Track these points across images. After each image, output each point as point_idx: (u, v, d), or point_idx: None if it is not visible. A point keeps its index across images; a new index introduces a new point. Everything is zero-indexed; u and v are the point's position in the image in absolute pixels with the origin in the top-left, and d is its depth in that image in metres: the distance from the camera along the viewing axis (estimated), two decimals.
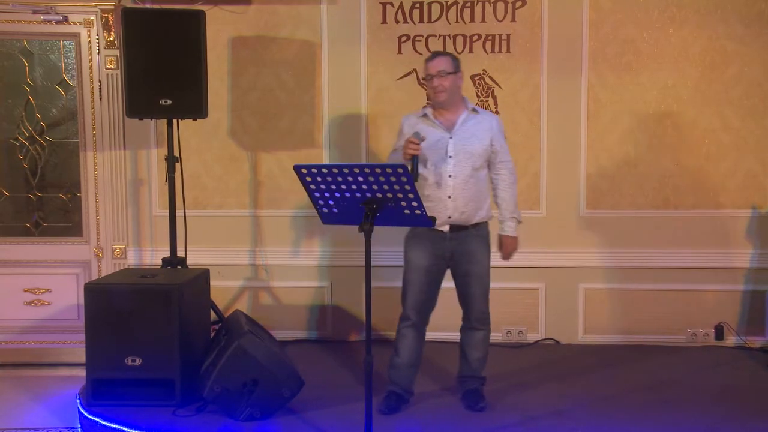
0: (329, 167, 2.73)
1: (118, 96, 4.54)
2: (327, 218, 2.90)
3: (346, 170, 2.68)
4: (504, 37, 4.49)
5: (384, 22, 4.53)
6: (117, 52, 4.50)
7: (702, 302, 4.53)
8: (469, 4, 4.49)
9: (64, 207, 4.74)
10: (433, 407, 3.47)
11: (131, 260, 4.68)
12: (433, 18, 4.51)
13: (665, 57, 4.45)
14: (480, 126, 3.35)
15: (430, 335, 3.60)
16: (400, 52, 4.52)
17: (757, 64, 4.41)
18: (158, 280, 3.54)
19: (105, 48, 4.53)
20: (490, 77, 4.51)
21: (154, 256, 4.65)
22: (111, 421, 3.32)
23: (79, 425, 3.54)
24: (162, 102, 3.93)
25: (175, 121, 4.10)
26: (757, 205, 4.49)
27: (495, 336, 4.54)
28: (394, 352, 3.48)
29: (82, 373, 3.57)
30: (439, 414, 3.40)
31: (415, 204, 2.72)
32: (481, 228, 3.40)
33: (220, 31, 4.54)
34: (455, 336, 3.62)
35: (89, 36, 4.57)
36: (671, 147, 4.50)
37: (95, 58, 4.57)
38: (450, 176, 3.29)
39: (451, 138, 3.31)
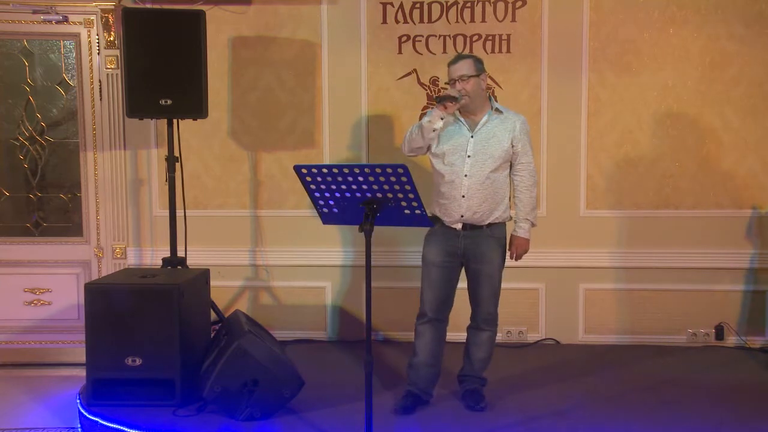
0: (329, 167, 2.73)
1: (118, 96, 4.54)
2: (327, 218, 2.90)
3: (346, 170, 2.68)
4: (504, 37, 4.49)
5: (384, 22, 4.53)
6: (117, 52, 4.50)
7: (702, 302, 4.53)
8: (469, 4, 4.49)
9: (64, 207, 4.74)
10: (433, 407, 3.47)
11: (131, 260, 4.68)
12: (434, 18, 4.51)
13: (665, 57, 4.45)
14: (502, 126, 3.35)
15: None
16: (400, 52, 4.52)
17: (757, 64, 4.41)
18: (158, 280, 3.54)
19: (105, 48, 4.54)
20: (490, 77, 4.51)
21: (154, 256, 4.65)
22: (111, 421, 3.32)
23: (79, 425, 3.54)
24: (162, 102, 3.93)
25: (175, 121, 4.10)
26: (757, 205, 4.49)
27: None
28: (412, 351, 3.48)
29: (82, 373, 3.57)
30: (440, 414, 3.40)
31: (415, 204, 2.72)
32: (495, 229, 3.38)
33: (220, 31, 4.54)
34: (458, 336, 3.62)
35: (89, 36, 4.57)
36: (671, 147, 4.50)
37: (95, 58, 4.58)
38: (466, 176, 3.30)
39: (472, 137, 3.32)
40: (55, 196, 4.73)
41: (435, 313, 3.41)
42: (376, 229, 2.75)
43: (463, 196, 3.30)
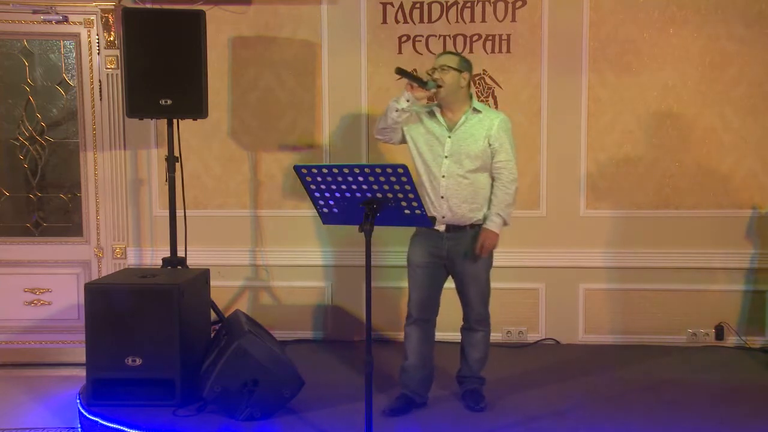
0: (329, 167, 2.73)
1: (118, 96, 4.54)
2: (327, 218, 2.90)
3: (346, 170, 2.68)
4: (504, 37, 4.49)
5: (384, 22, 4.53)
6: (117, 52, 4.50)
7: (702, 302, 4.53)
8: (469, 5, 4.49)
9: (64, 207, 4.74)
10: (433, 407, 3.46)
11: (131, 260, 4.68)
12: (434, 18, 4.51)
13: (665, 57, 4.45)
14: (479, 126, 3.30)
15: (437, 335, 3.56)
16: (400, 52, 4.52)
17: (757, 64, 4.41)
18: (158, 280, 3.54)
19: (105, 48, 4.53)
20: (490, 77, 4.51)
21: (154, 256, 4.65)
22: (111, 421, 3.32)
23: (79, 425, 3.54)
24: (162, 102, 3.93)
25: (175, 121, 4.10)
26: (758, 205, 4.49)
27: (495, 336, 4.54)
28: (403, 355, 3.47)
29: (82, 373, 3.57)
30: (439, 414, 3.40)
31: (415, 204, 2.72)
32: (480, 229, 3.33)
33: (220, 31, 4.54)
34: (455, 336, 3.62)
35: (89, 36, 4.57)
36: (671, 147, 4.49)
37: (95, 58, 4.58)
38: (443, 176, 3.27)
39: (449, 137, 3.29)
40: (55, 196, 4.73)
41: (419, 314, 3.40)
42: (376, 229, 2.75)
43: (442, 197, 3.28)
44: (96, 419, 3.36)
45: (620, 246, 4.54)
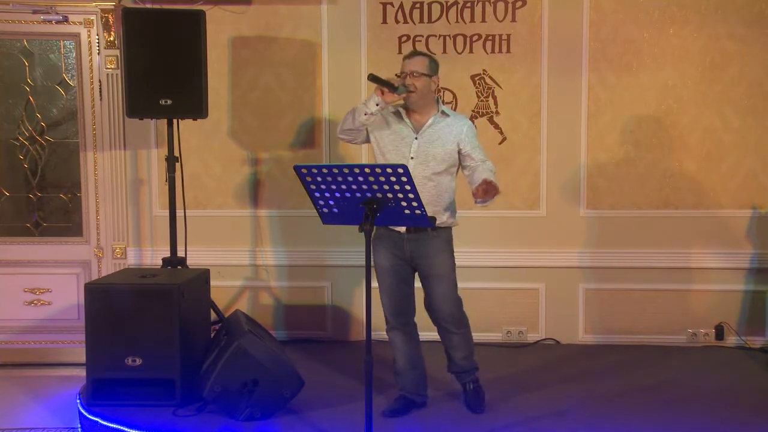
0: (329, 167, 2.73)
1: (118, 96, 4.54)
2: (327, 218, 2.90)
3: (346, 170, 2.68)
4: (504, 37, 4.49)
5: (384, 22, 4.53)
6: (117, 52, 4.50)
7: (702, 302, 4.53)
8: (469, 4, 4.49)
9: (64, 207, 4.74)
10: (432, 408, 3.46)
11: (131, 260, 4.68)
12: (433, 18, 4.51)
13: (665, 57, 4.45)
14: (448, 129, 3.28)
15: (429, 335, 3.55)
16: (400, 52, 4.52)
17: (757, 64, 4.41)
18: (158, 280, 3.54)
19: (105, 48, 4.54)
20: (490, 77, 4.51)
21: (154, 256, 4.65)
22: (111, 421, 3.32)
23: (79, 425, 3.54)
24: (162, 102, 3.93)
25: (175, 121, 4.10)
26: (757, 205, 4.49)
27: (495, 336, 4.57)
28: (393, 359, 3.46)
29: (82, 373, 3.57)
30: (439, 414, 3.40)
31: (415, 204, 2.72)
32: (442, 231, 3.29)
33: (220, 31, 4.54)
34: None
35: (89, 36, 4.57)
36: (671, 147, 4.49)
37: (95, 58, 4.58)
38: None
39: (416, 139, 3.26)
40: (55, 196, 4.73)
41: (395, 318, 3.36)
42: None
43: None
44: (96, 419, 3.36)
45: (620, 246, 4.54)
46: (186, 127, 4.27)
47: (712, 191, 4.50)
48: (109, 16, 4.47)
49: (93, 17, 4.55)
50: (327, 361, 4.25)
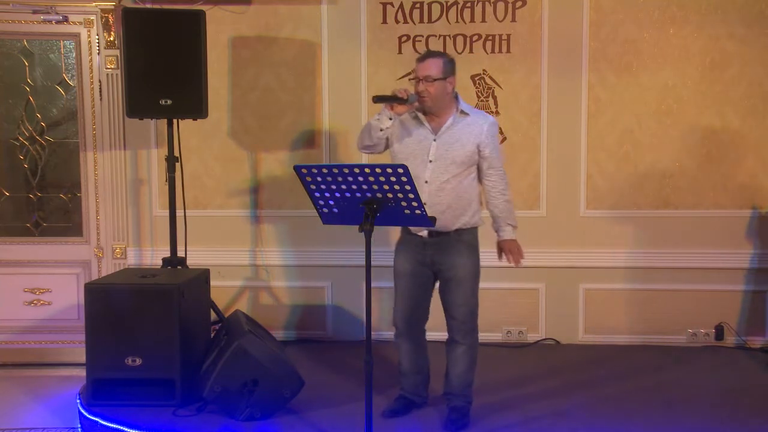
0: (329, 167, 2.73)
1: (118, 96, 4.54)
2: (327, 218, 2.90)
3: (346, 170, 2.68)
4: (504, 37, 4.49)
5: (384, 22, 4.53)
6: (117, 52, 4.50)
7: (702, 302, 4.53)
8: (469, 4, 4.49)
9: (64, 207, 4.74)
10: (433, 408, 3.46)
11: (131, 260, 4.68)
12: (433, 18, 4.51)
13: (666, 57, 4.45)
14: (467, 129, 3.16)
15: (435, 335, 3.51)
16: (400, 52, 4.52)
17: (757, 64, 4.41)
18: (158, 280, 3.54)
19: (105, 48, 4.53)
20: (490, 77, 4.51)
21: (154, 256, 4.65)
22: (111, 421, 3.32)
23: (79, 425, 3.55)
24: (162, 102, 3.93)
25: (175, 121, 4.10)
26: (757, 205, 4.49)
27: (495, 336, 4.57)
28: (398, 360, 3.43)
29: (82, 373, 3.57)
30: (439, 415, 3.39)
31: (415, 204, 2.72)
32: (464, 234, 3.20)
33: (220, 31, 4.54)
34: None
35: (89, 36, 4.57)
36: (671, 147, 4.50)
37: (95, 58, 4.57)
38: (426, 182, 3.13)
39: (434, 141, 3.16)
40: (55, 196, 4.73)
41: (406, 324, 3.30)
42: (376, 229, 2.75)
43: (425, 203, 3.08)
44: (96, 419, 3.36)
45: (620, 246, 4.54)
46: (186, 127, 4.27)
47: (712, 191, 4.50)
48: (109, 16, 4.47)
49: (93, 17, 4.54)
50: (327, 361, 4.25)
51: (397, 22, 4.52)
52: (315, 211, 2.90)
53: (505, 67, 4.51)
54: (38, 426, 3.64)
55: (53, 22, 4.52)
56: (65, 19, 4.53)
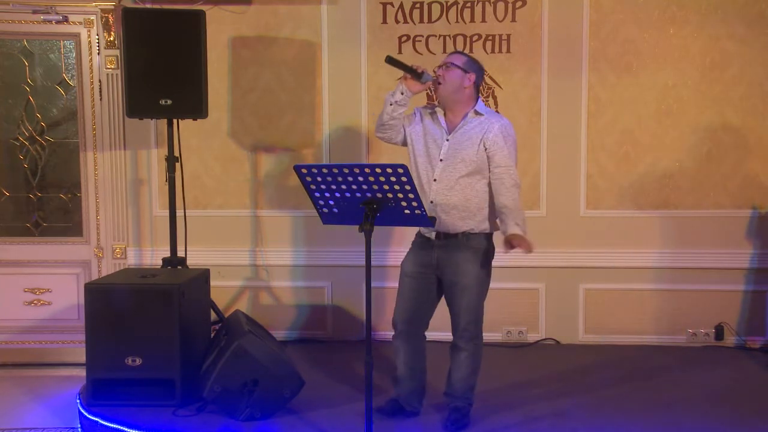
0: (329, 167, 2.73)
1: (118, 96, 4.54)
2: (327, 218, 2.90)
3: (346, 170, 2.68)
4: (504, 37, 4.49)
5: (384, 22, 4.53)
6: (117, 52, 4.50)
7: (702, 302, 4.53)
8: (469, 5, 4.49)
9: (64, 207, 4.74)
10: (433, 408, 3.46)
11: (131, 260, 4.68)
12: (433, 18, 4.51)
13: (666, 57, 4.45)
14: (478, 128, 3.13)
15: (437, 335, 3.51)
16: (400, 52, 4.52)
17: (757, 64, 4.41)
18: (158, 280, 3.54)
19: (105, 48, 4.53)
20: (490, 77, 4.51)
21: (154, 256, 4.65)
22: (111, 421, 3.32)
23: (79, 425, 3.54)
24: (162, 102, 3.93)
25: (175, 121, 4.10)
26: (757, 205, 4.49)
27: (495, 336, 4.57)
28: (395, 365, 3.38)
29: (82, 373, 3.57)
30: (439, 415, 3.39)
31: (415, 204, 2.72)
32: (472, 239, 3.15)
33: (220, 31, 4.54)
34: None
35: (89, 36, 4.57)
36: (671, 147, 4.50)
37: (95, 58, 4.57)
38: (435, 180, 3.14)
39: (447, 140, 3.16)
40: (55, 196, 4.73)
41: (405, 325, 3.26)
42: (376, 229, 2.75)
43: (432, 202, 3.12)
44: (96, 419, 3.36)
45: (620, 246, 4.54)
46: (186, 127, 4.27)
47: (712, 191, 4.50)
48: (109, 16, 4.47)
49: (93, 17, 4.54)
50: (327, 361, 4.25)
51: (397, 22, 4.52)
52: (315, 211, 2.90)
53: (505, 67, 4.51)
54: (38, 426, 3.64)
55: (53, 22, 4.52)
56: (65, 19, 4.53)
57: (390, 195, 2.69)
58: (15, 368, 4.55)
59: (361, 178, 2.67)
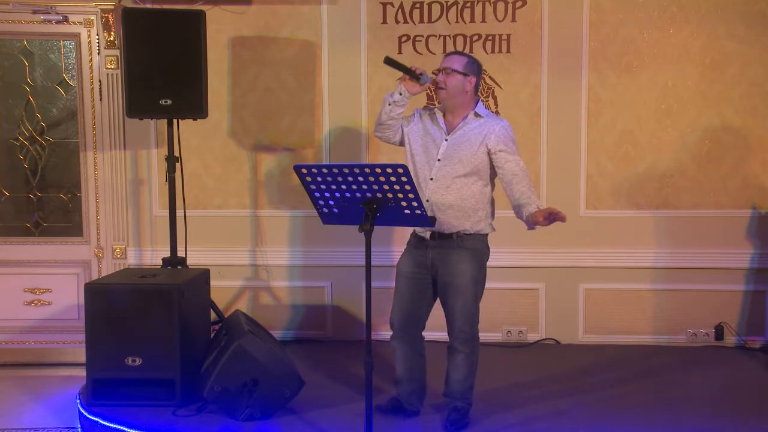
0: (329, 167, 2.73)
1: (118, 96, 4.54)
2: (327, 218, 2.90)
3: (346, 170, 2.68)
4: (504, 37, 4.49)
5: (384, 22, 4.53)
6: (117, 52, 4.50)
7: (702, 302, 4.53)
8: (469, 4, 4.49)
9: (64, 207, 4.74)
10: (433, 409, 3.46)
11: (131, 260, 4.68)
12: (433, 18, 4.51)
13: (666, 57, 4.45)
14: (478, 130, 3.14)
15: (437, 335, 3.52)
16: (400, 52, 4.52)
17: (757, 64, 4.41)
18: (158, 280, 3.54)
19: (105, 48, 4.53)
20: (490, 77, 4.51)
21: (154, 256, 4.65)
22: (111, 421, 3.32)
23: (79, 425, 3.55)
24: (162, 102, 3.93)
25: (175, 121, 4.10)
26: (757, 205, 4.49)
27: (495, 336, 4.58)
28: (394, 366, 3.39)
29: (82, 373, 3.57)
30: (440, 415, 3.39)
31: (415, 204, 2.72)
32: (468, 240, 3.16)
33: (220, 31, 4.54)
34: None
35: (89, 36, 4.57)
36: (671, 147, 4.50)
37: (95, 58, 4.57)
38: (431, 179, 3.15)
39: (446, 140, 3.17)
40: (55, 196, 4.73)
41: (401, 326, 3.26)
42: (376, 229, 2.75)
43: (427, 201, 3.12)
44: (96, 419, 3.36)
45: (620, 246, 4.54)
46: (186, 127, 4.27)
47: (712, 191, 4.50)
48: (109, 16, 4.47)
49: (93, 17, 4.54)
50: (327, 361, 4.25)
51: (397, 22, 4.52)
52: (315, 210, 2.90)
53: (505, 67, 4.51)
54: (38, 426, 3.64)
55: (53, 22, 4.52)
56: (65, 19, 4.53)
57: (390, 195, 2.69)
58: (15, 368, 4.55)
59: (361, 178, 2.67)
